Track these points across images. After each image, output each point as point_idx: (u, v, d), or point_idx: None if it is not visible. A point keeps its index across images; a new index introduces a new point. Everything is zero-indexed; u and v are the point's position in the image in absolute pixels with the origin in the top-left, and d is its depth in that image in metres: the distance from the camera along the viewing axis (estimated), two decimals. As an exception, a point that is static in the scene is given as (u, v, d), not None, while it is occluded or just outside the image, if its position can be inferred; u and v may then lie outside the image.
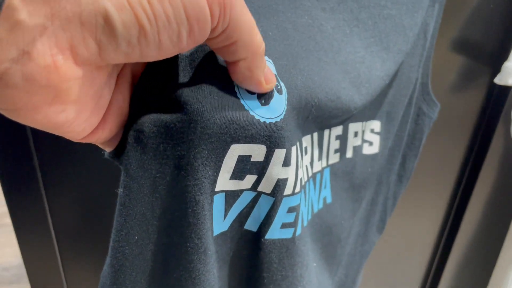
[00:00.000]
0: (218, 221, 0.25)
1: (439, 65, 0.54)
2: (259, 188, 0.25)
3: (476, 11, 0.51)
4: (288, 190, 0.26)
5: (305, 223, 0.31)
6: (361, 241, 0.45)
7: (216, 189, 0.24)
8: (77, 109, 0.17)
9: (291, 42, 0.26)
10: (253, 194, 0.25)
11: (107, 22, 0.14)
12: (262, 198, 0.26)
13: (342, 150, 0.35)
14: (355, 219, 0.41)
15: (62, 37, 0.14)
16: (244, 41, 0.18)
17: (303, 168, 0.29)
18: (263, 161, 0.24)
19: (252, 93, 0.22)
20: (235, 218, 0.26)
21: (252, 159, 0.23)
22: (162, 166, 0.22)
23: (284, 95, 0.24)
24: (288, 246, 0.28)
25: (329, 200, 0.36)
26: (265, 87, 0.21)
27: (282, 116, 0.23)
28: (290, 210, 0.27)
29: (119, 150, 0.22)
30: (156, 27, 0.15)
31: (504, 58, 0.51)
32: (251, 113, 0.22)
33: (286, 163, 0.24)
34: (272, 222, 0.26)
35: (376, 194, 0.44)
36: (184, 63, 0.22)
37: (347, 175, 0.37)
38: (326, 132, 0.33)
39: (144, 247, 0.24)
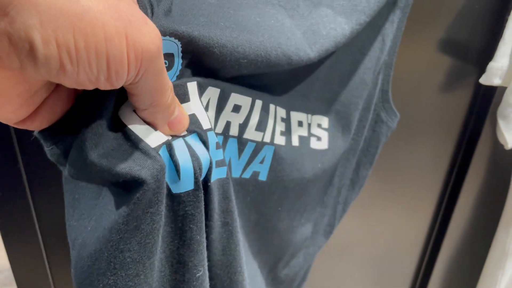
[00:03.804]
0: (173, 179, 0.25)
1: (426, 66, 0.54)
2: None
3: (461, 12, 0.52)
4: (206, 125, 0.27)
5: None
6: (307, 243, 0.45)
7: (154, 146, 0.23)
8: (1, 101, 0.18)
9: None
10: (185, 139, 0.25)
11: (31, 49, 0.15)
12: (192, 138, 0.26)
13: (287, 134, 0.36)
14: (302, 218, 0.41)
15: None
16: (146, 98, 0.21)
17: (218, 117, 0.30)
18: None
19: None
20: (194, 171, 0.25)
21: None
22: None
23: (174, 70, 0.25)
24: (222, 183, 0.28)
25: (262, 177, 0.35)
26: (167, 131, 0.24)
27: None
28: (218, 146, 0.28)
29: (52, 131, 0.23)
30: (76, 68, 0.16)
31: (490, 58, 0.51)
32: None
33: (184, 100, 0.26)
34: (211, 165, 0.27)
35: (326, 195, 0.44)
36: None
37: (294, 165, 0.37)
38: (272, 106, 0.33)
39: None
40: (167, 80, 0.21)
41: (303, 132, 0.37)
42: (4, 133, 0.40)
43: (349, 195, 0.45)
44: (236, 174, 0.34)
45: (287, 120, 0.35)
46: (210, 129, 0.27)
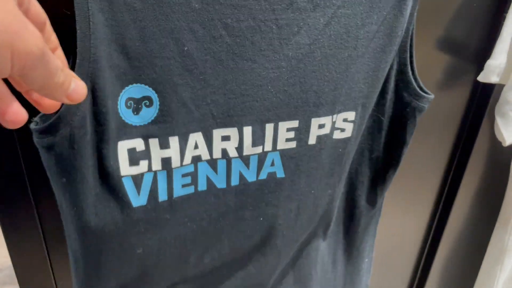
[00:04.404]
0: (134, 196, 0.36)
1: (424, 63, 0.55)
2: (153, 168, 0.36)
3: (459, 10, 0.52)
4: (175, 164, 0.37)
5: (222, 186, 0.40)
6: (349, 205, 0.51)
7: (122, 174, 0.35)
8: None
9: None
10: (151, 174, 0.37)
11: None
12: (159, 174, 0.37)
13: (299, 138, 0.40)
14: (339, 185, 0.46)
15: None
16: (37, 83, 0.24)
17: (210, 149, 0.38)
18: (145, 149, 0.35)
19: (128, 107, 0.34)
20: (149, 195, 0.37)
21: (137, 150, 0.35)
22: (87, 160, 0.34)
23: (155, 108, 0.34)
24: (191, 197, 0.39)
25: (280, 175, 0.41)
26: (67, 102, 0.27)
27: (149, 120, 0.34)
28: (184, 175, 0.38)
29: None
30: None
31: (488, 56, 0.52)
32: (126, 121, 0.34)
33: (163, 146, 0.36)
34: (173, 186, 0.37)
35: (359, 165, 0.48)
36: None
37: (311, 157, 0.42)
38: (269, 125, 0.38)
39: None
40: (55, 65, 0.24)
41: (324, 131, 0.40)
42: (6, 132, 0.41)
43: (386, 168, 0.48)
44: (252, 179, 0.40)
45: (300, 128, 0.39)
46: (178, 167, 0.37)
